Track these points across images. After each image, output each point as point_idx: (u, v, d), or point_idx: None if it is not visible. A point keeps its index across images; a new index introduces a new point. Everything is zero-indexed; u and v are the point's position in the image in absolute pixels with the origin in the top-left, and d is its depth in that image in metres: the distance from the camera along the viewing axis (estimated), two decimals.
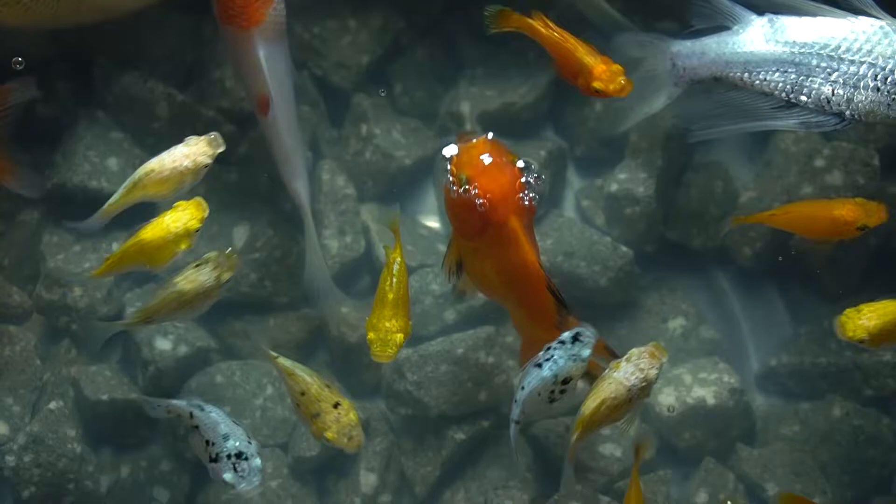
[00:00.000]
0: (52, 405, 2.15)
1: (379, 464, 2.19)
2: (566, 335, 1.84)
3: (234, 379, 2.21)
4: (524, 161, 1.89)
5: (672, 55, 2.05)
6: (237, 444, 1.88)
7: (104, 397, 2.16)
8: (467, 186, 1.84)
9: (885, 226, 2.08)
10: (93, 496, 2.14)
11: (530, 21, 2.01)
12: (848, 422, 2.21)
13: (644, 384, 1.83)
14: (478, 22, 2.04)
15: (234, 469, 1.86)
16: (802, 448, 2.23)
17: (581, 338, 1.83)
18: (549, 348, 1.83)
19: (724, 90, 2.00)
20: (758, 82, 1.99)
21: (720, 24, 2.03)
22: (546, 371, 1.81)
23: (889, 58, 1.91)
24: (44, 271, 2.22)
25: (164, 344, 2.20)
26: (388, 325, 1.87)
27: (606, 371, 1.85)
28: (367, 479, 2.18)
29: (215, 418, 1.92)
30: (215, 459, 1.88)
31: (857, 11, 1.96)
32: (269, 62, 2.07)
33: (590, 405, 1.83)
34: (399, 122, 2.36)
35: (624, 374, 1.83)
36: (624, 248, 2.27)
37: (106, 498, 2.16)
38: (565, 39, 1.99)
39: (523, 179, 1.87)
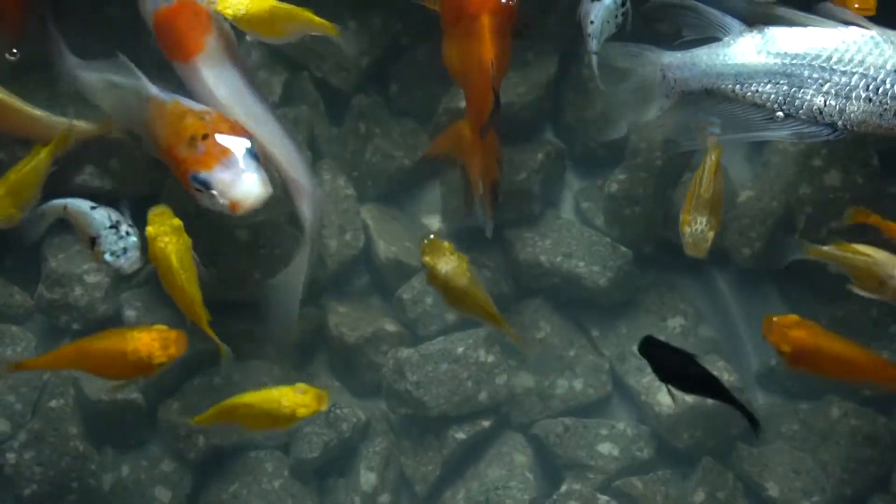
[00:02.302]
0: (53, 403, 2.16)
1: (379, 463, 2.20)
2: None
3: (234, 380, 2.22)
4: None
5: (663, 67, 2.02)
6: (110, 217, 1.96)
7: (105, 397, 2.17)
8: None
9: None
10: (96, 494, 2.16)
11: (891, 224, 2.01)
12: (846, 421, 2.22)
13: None
14: None
15: (116, 237, 1.94)
16: (802, 447, 2.24)
17: None
18: None
19: (715, 101, 1.98)
20: (749, 94, 1.97)
21: (711, 36, 2.00)
22: (608, 0, 2.01)
23: (880, 68, 1.90)
24: (45, 271, 2.23)
25: None
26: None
27: None
28: (367, 479, 2.19)
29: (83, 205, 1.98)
30: (95, 241, 1.94)
31: (845, 23, 1.94)
32: (219, 86, 2.01)
33: (864, 249, 1.95)
34: (398, 123, 2.35)
35: None
36: (623, 249, 2.27)
37: (108, 496, 2.18)
38: None
39: None
